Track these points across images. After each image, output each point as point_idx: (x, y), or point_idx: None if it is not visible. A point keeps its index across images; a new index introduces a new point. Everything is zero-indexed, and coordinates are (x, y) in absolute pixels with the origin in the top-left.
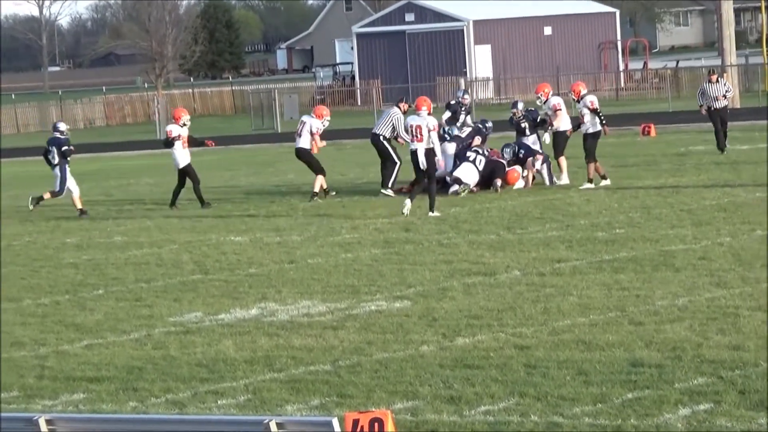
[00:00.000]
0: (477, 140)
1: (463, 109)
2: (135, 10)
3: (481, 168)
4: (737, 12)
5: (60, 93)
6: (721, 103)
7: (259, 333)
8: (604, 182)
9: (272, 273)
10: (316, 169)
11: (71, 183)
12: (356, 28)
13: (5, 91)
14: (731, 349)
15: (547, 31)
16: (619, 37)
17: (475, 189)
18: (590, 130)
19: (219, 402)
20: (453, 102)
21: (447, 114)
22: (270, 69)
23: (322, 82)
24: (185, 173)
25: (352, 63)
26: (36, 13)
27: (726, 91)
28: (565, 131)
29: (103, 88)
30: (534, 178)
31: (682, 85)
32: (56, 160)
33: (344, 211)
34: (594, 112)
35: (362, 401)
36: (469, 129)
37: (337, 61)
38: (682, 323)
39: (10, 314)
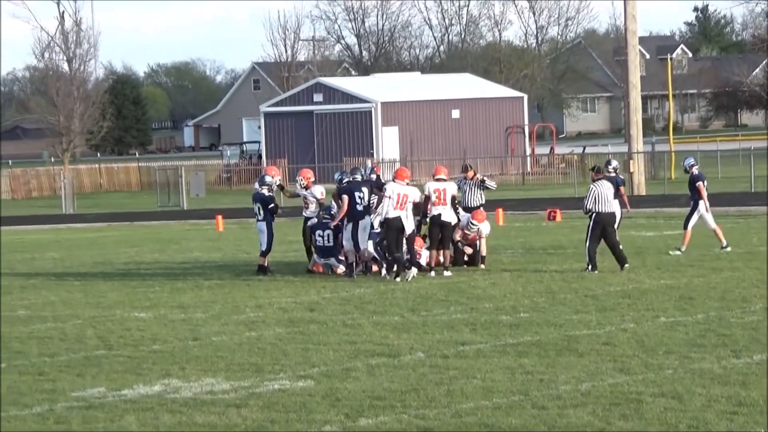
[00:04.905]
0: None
1: None
2: (43, 84)
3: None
4: (644, 99)
5: None
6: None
7: (162, 410)
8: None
9: (176, 350)
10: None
11: (263, 238)
12: (264, 107)
13: None
14: None
15: (455, 114)
16: (526, 121)
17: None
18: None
19: None
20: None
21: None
22: (177, 146)
23: (228, 160)
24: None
25: (259, 142)
26: None
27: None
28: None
29: (9, 161)
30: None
31: (588, 171)
32: (261, 216)
33: (249, 290)
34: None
35: None
36: None
37: (244, 139)
38: (585, 408)
39: None
